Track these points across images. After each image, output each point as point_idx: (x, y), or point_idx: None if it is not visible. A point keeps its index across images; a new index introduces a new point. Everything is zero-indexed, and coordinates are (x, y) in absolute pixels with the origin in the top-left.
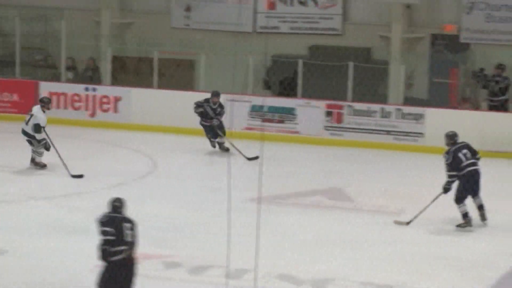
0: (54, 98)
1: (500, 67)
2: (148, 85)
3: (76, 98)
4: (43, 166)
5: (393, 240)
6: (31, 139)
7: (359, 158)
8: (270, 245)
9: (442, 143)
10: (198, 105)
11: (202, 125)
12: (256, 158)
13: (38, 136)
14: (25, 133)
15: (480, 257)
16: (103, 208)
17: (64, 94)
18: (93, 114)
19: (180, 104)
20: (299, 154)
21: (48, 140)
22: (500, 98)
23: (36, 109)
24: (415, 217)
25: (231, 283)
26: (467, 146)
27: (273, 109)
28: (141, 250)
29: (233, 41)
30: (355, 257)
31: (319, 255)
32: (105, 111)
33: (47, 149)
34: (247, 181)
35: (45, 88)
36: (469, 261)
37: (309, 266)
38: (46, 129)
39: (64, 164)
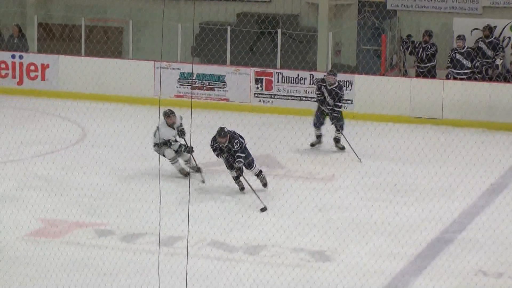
0: None
1: (428, 33)
2: (75, 52)
3: (2, 66)
4: (186, 174)
5: (323, 206)
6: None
7: (289, 125)
8: (202, 212)
9: (371, 110)
10: (318, 86)
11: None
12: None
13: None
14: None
15: (409, 222)
16: (32, 177)
17: None
18: (20, 82)
19: (108, 72)
20: (229, 121)
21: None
22: (428, 64)
23: (161, 122)
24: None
25: (163, 250)
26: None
27: (202, 77)
28: (73, 218)
29: (161, 8)
30: (286, 223)
31: (250, 221)
32: (33, 78)
33: (189, 151)
34: None
35: None
36: (398, 226)
37: (241, 233)
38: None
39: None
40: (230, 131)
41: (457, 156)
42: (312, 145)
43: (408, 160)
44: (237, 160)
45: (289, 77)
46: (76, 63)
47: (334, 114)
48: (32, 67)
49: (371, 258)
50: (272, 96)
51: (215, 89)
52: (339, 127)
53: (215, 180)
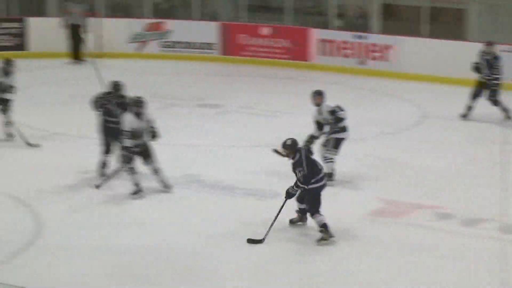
0: (323, 45)
1: None
2: (415, 33)
3: (344, 45)
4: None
5: None
6: None
7: None
8: None
9: None
10: (481, 55)
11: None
12: None
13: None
14: None
15: None
16: (373, 157)
17: (333, 41)
18: (362, 62)
19: (451, 54)
20: None
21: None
22: None
23: None
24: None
25: (505, 237)
26: None
27: None
28: (414, 200)
29: None
30: None
31: None
32: (374, 59)
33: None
34: None
35: (315, 34)
36: None
37: None
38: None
39: None
40: (304, 153)
41: None
42: (464, 115)
43: None
44: (287, 192)
45: None
46: (419, 44)
47: (493, 82)
48: (374, 48)
49: None
50: None
51: None
52: (493, 102)
53: None
